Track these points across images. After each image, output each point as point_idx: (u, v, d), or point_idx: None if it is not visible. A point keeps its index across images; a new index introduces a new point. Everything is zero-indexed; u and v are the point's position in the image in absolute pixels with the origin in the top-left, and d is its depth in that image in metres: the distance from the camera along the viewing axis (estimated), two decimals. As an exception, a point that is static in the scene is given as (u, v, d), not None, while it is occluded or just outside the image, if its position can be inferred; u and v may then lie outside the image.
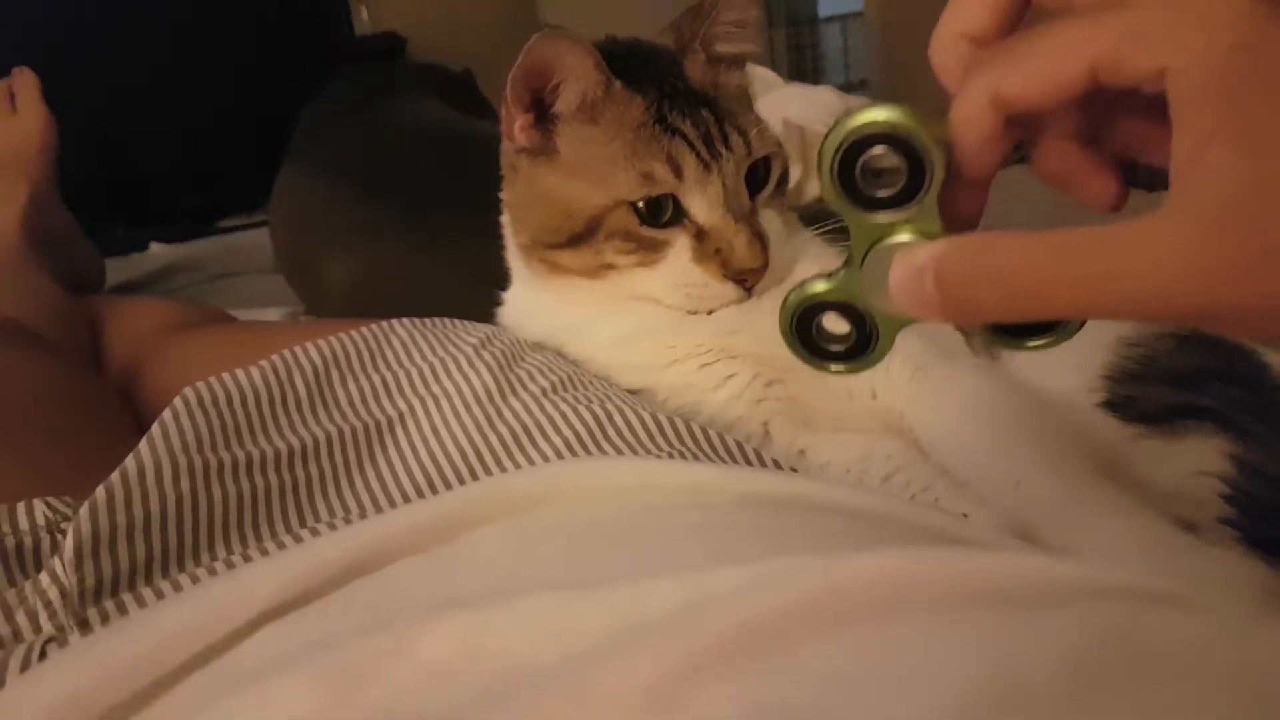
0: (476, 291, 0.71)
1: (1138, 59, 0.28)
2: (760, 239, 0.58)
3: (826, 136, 0.32)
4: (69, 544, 0.41)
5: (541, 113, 0.59)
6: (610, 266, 0.59)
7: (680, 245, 0.58)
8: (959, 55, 0.33)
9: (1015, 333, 0.34)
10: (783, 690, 0.22)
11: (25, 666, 0.36)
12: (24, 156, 1.16)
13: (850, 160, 0.32)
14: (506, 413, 0.54)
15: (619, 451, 0.51)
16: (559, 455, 0.51)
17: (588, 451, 0.51)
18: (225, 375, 0.56)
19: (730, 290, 0.58)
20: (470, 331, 0.63)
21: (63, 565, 0.41)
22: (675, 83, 0.59)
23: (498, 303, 0.70)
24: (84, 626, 0.39)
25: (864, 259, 0.34)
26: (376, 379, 0.60)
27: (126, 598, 0.41)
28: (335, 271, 1.04)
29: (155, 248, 1.48)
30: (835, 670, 0.23)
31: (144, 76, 1.63)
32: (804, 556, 0.27)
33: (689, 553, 0.31)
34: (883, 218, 0.33)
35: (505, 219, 0.67)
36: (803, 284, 0.35)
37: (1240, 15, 0.26)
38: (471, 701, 0.24)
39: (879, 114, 0.32)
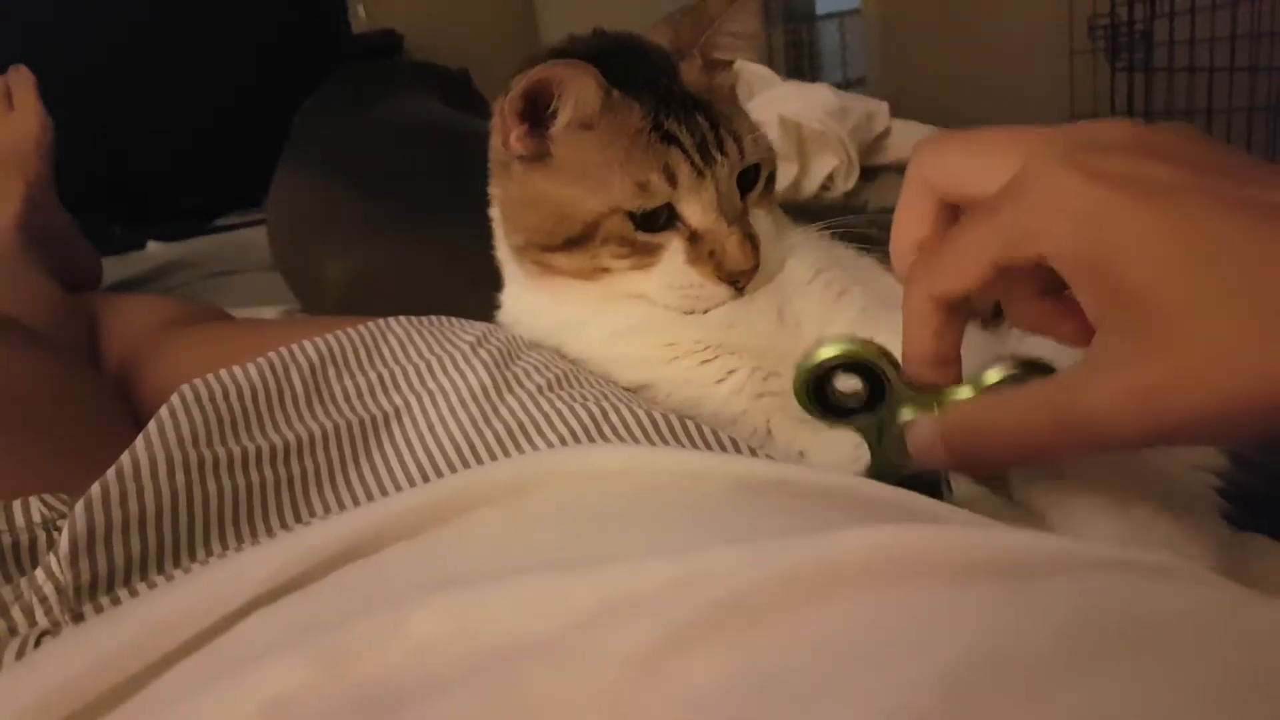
0: (474, 290, 0.71)
1: (1023, 252, 0.34)
2: (752, 240, 0.59)
3: (796, 372, 0.40)
4: (64, 540, 0.41)
5: (536, 121, 0.59)
6: (605, 269, 0.60)
7: (674, 248, 0.59)
8: (911, 261, 0.39)
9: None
10: (771, 660, 0.23)
11: (20, 658, 0.36)
12: (21, 154, 1.16)
13: (819, 386, 0.40)
14: (502, 409, 0.54)
15: None
16: None
17: (583, 447, 0.51)
18: (222, 371, 0.56)
19: (723, 291, 0.59)
20: (467, 329, 0.64)
21: (58, 562, 0.41)
22: (670, 86, 0.59)
23: (496, 305, 0.70)
24: (79, 622, 0.39)
25: (880, 438, 0.40)
26: (373, 375, 0.60)
27: (122, 593, 0.41)
28: (332, 269, 1.04)
29: (152, 246, 1.48)
30: (824, 640, 0.23)
31: (141, 74, 1.63)
32: (797, 535, 0.27)
33: (683, 534, 0.31)
34: (860, 421, 0.40)
35: (495, 214, 0.67)
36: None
37: (1093, 201, 0.32)
38: (461, 676, 0.24)
39: (829, 350, 0.39)
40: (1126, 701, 0.21)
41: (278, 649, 0.26)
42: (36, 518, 0.45)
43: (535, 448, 0.51)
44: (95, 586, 0.41)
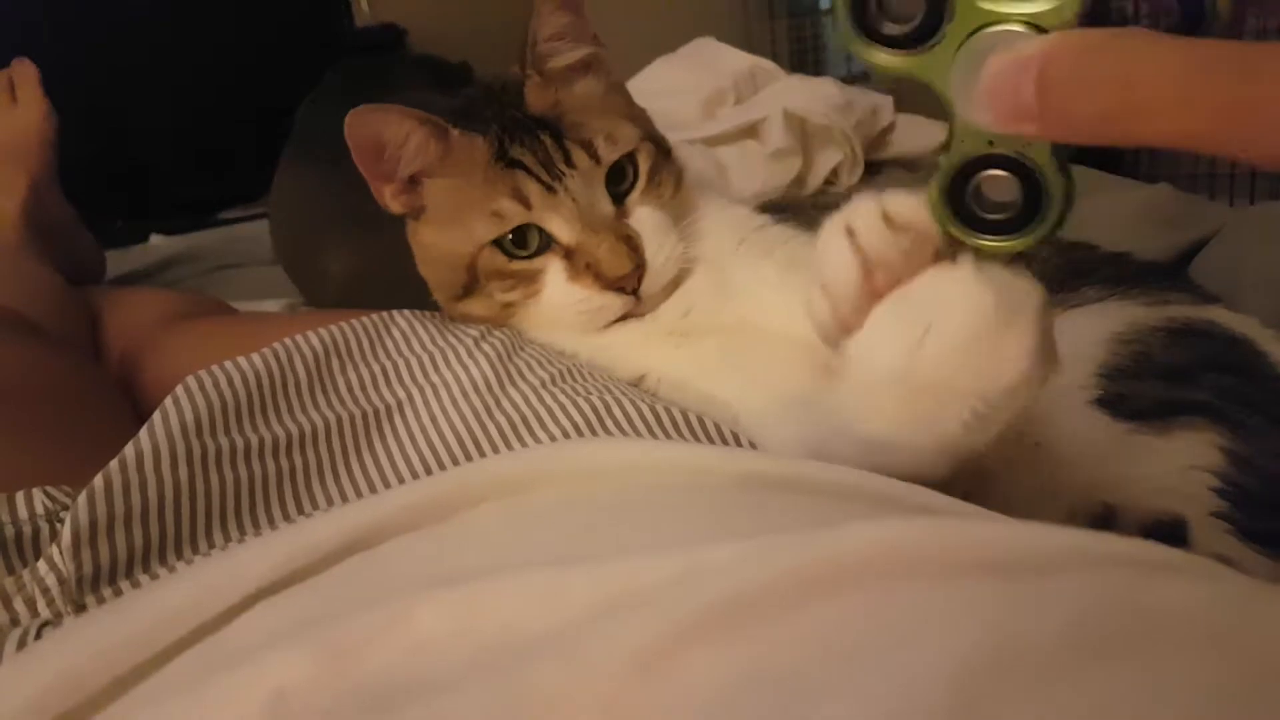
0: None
1: None
2: (627, 241, 0.58)
3: None
4: (67, 532, 0.42)
5: (407, 179, 0.61)
6: (510, 305, 0.61)
7: (554, 269, 0.59)
8: None
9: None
10: (775, 656, 0.23)
11: (21, 648, 0.37)
12: (24, 148, 1.16)
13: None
14: (505, 402, 0.54)
15: None
16: None
17: (585, 440, 0.51)
18: (226, 363, 0.57)
19: (614, 299, 0.58)
20: (470, 324, 0.64)
21: (61, 553, 0.41)
22: (515, 114, 0.60)
23: None
24: (81, 613, 0.39)
25: (959, 47, 0.27)
26: (376, 367, 0.60)
27: (124, 584, 0.41)
28: (334, 263, 1.04)
29: (155, 239, 1.48)
30: (829, 637, 0.23)
31: (145, 68, 1.63)
32: (801, 532, 0.27)
33: (685, 529, 0.31)
34: (904, 56, 0.28)
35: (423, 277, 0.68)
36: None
37: None
38: (464, 670, 0.24)
39: None
40: (1133, 697, 0.21)
41: (280, 642, 0.26)
42: (39, 509, 0.45)
43: (538, 441, 0.51)
44: (97, 578, 0.41)
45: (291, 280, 1.18)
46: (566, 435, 0.51)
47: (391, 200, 0.62)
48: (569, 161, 0.58)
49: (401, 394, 0.57)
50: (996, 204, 0.30)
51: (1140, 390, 0.53)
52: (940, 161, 0.30)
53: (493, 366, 0.57)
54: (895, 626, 0.23)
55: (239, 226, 1.55)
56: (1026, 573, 0.25)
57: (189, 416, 0.50)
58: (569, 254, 0.59)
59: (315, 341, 0.60)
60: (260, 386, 0.56)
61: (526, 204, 0.58)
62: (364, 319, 0.64)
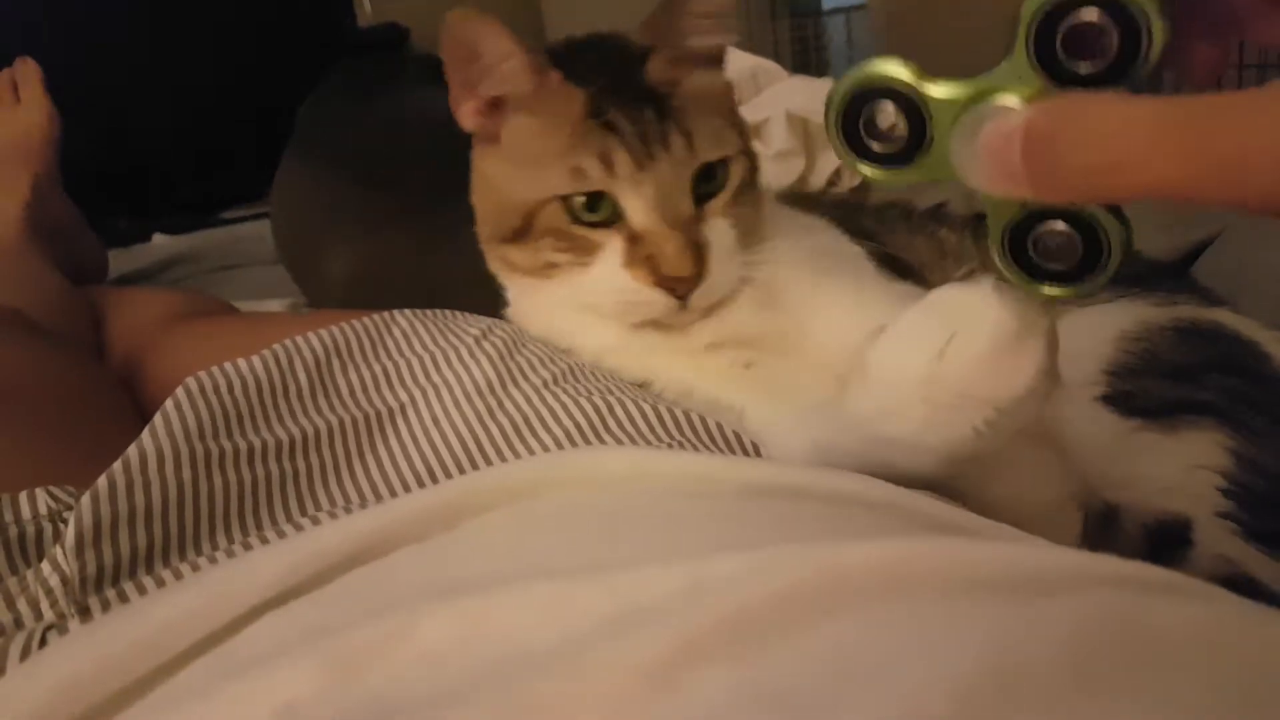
0: (477, 284, 0.71)
1: None
2: (696, 248, 0.55)
3: None
4: (70, 532, 0.42)
5: (489, 100, 0.58)
6: (552, 265, 0.58)
7: (612, 247, 0.56)
8: None
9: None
10: (780, 674, 0.23)
11: (25, 653, 0.37)
12: (27, 147, 1.16)
13: (853, 116, 0.32)
14: (508, 403, 0.54)
15: (619, 442, 0.51)
16: (559, 445, 0.51)
17: (588, 442, 0.51)
18: (227, 364, 0.56)
19: (660, 299, 0.55)
20: (471, 322, 0.64)
21: (64, 553, 0.41)
22: (629, 78, 0.57)
23: (499, 298, 0.69)
24: (85, 614, 0.39)
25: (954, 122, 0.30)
26: (378, 368, 0.60)
27: (127, 586, 0.41)
28: (336, 263, 1.04)
29: (158, 239, 1.48)
30: (833, 655, 0.23)
31: (147, 68, 1.62)
32: (806, 545, 0.27)
33: (690, 540, 0.31)
34: (887, 171, 0.31)
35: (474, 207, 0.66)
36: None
37: None
38: (469, 685, 0.24)
39: (870, 69, 0.30)
40: (1132, 719, 0.21)
41: (287, 654, 0.26)
42: (43, 509, 0.45)
43: (540, 442, 0.51)
44: (101, 579, 0.41)
45: (294, 280, 1.18)
46: (569, 436, 0.51)
47: (467, 117, 0.59)
48: (665, 144, 0.55)
49: (404, 396, 0.57)
50: (1057, 253, 0.31)
51: (1147, 388, 0.53)
52: (989, 223, 0.32)
53: (494, 366, 0.57)
54: (897, 644, 0.23)
55: (241, 226, 1.56)
56: (1027, 593, 0.25)
57: (191, 419, 0.50)
58: (632, 238, 0.56)
59: (316, 342, 0.60)
60: (261, 389, 0.56)
61: (611, 170, 0.54)
62: (364, 319, 0.64)
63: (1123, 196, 0.28)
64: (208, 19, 1.67)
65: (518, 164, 0.58)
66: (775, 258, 0.59)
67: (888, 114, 0.32)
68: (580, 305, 0.59)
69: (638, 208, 0.55)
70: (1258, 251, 0.77)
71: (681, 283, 0.55)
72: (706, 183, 0.57)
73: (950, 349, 0.39)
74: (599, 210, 0.56)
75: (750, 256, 0.58)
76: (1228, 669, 0.23)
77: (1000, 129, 0.28)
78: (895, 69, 0.31)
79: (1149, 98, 0.25)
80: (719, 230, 0.57)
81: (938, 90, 0.31)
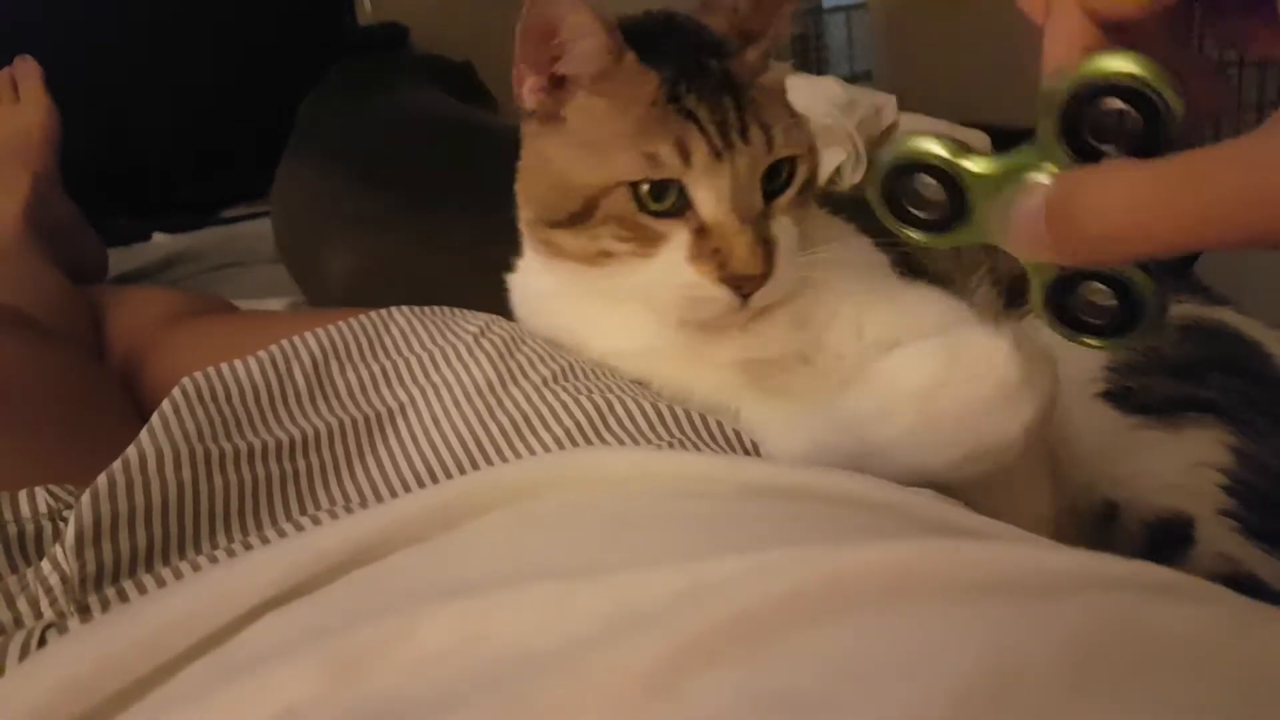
0: (477, 282, 0.71)
1: None
2: (766, 245, 0.53)
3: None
4: (70, 531, 0.42)
5: (554, 78, 0.55)
6: (608, 254, 0.55)
7: (678, 240, 0.53)
8: None
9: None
10: (781, 677, 0.22)
11: (24, 653, 0.36)
12: (27, 146, 1.16)
13: (895, 186, 0.34)
14: (507, 402, 0.54)
15: (619, 441, 0.51)
16: (559, 445, 0.51)
17: (588, 441, 0.51)
18: (224, 366, 0.56)
19: (724, 296, 0.53)
20: (469, 319, 0.63)
21: (64, 552, 0.41)
22: (704, 63, 0.55)
23: (500, 295, 0.68)
24: (84, 613, 0.39)
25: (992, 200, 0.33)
26: (375, 368, 0.60)
27: (127, 585, 0.41)
28: (336, 261, 1.04)
29: (158, 237, 1.48)
30: (834, 657, 0.23)
31: (146, 66, 1.62)
32: (807, 547, 0.27)
33: (691, 541, 0.31)
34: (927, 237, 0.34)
35: (518, 187, 0.63)
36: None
37: None
38: (469, 687, 0.24)
39: (912, 145, 0.33)
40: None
41: (288, 655, 0.26)
42: (42, 508, 0.45)
43: (541, 441, 0.51)
44: (101, 578, 0.41)
45: (293, 279, 1.18)
46: (569, 435, 0.51)
47: (529, 94, 0.56)
48: (745, 136, 0.52)
49: (404, 396, 0.57)
50: (1096, 311, 0.33)
51: (1149, 385, 0.53)
52: (1031, 282, 0.34)
53: (493, 364, 0.57)
54: (896, 647, 0.23)
55: (241, 225, 1.55)
56: (1027, 594, 0.25)
57: (189, 422, 0.50)
58: (700, 230, 0.53)
59: (314, 343, 0.60)
60: (259, 395, 0.56)
61: (686, 159, 0.52)
62: (361, 317, 0.64)
63: (1139, 257, 0.30)
64: (208, 18, 1.66)
65: (583, 146, 0.55)
66: (827, 258, 0.57)
67: (928, 186, 0.34)
68: (630, 297, 0.56)
69: (709, 200, 0.53)
70: (1258, 251, 0.77)
71: (749, 281, 0.52)
72: (772, 180, 0.55)
73: (955, 378, 0.43)
74: (664, 199, 0.53)
75: (805, 257, 0.56)
76: (1228, 669, 0.23)
77: (1030, 203, 0.30)
78: (934, 147, 0.33)
79: (1151, 162, 0.27)
80: (785, 228, 0.55)
81: (974, 165, 0.33)
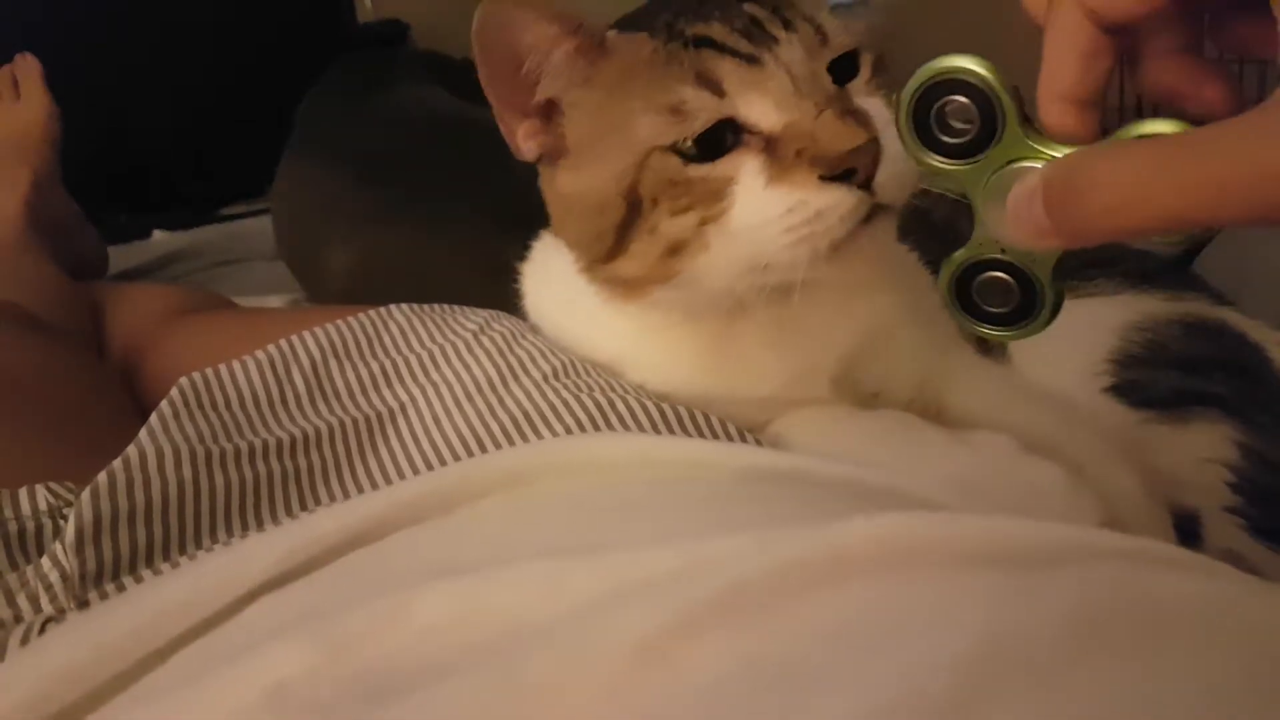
0: (478, 279, 0.71)
1: None
2: (855, 115, 0.43)
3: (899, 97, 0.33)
4: (70, 528, 0.41)
5: (540, 108, 0.49)
6: (676, 247, 0.46)
7: (748, 173, 0.44)
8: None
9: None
10: (777, 645, 0.23)
11: (24, 643, 0.37)
12: (27, 143, 1.16)
13: (925, 107, 0.33)
14: (508, 400, 0.54)
15: None
16: None
17: (589, 438, 0.51)
18: (223, 367, 0.56)
19: (843, 195, 0.42)
20: (468, 316, 0.63)
21: (64, 549, 0.41)
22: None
23: (499, 295, 0.64)
24: (84, 608, 0.39)
25: (982, 196, 0.33)
26: (375, 366, 0.59)
27: (127, 580, 0.41)
28: (336, 258, 1.04)
29: (158, 235, 1.48)
30: (831, 626, 0.23)
31: (147, 63, 1.62)
32: (804, 522, 0.27)
33: (688, 522, 0.31)
34: (962, 167, 0.33)
35: (560, 239, 0.55)
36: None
37: None
38: (462, 661, 0.24)
39: (952, 62, 0.32)
40: (1132, 691, 0.21)
41: (281, 634, 0.26)
42: (42, 505, 0.45)
43: (542, 438, 0.51)
44: (100, 574, 0.41)
45: (294, 276, 1.18)
46: (570, 431, 0.51)
47: (525, 141, 0.49)
48: (788, 27, 0.45)
49: (404, 395, 0.57)
50: (999, 299, 0.34)
51: (1155, 378, 0.52)
52: (954, 255, 0.35)
53: (493, 362, 0.57)
54: (895, 617, 0.23)
55: (242, 222, 1.55)
56: (1027, 566, 0.25)
57: (188, 425, 0.50)
58: (771, 145, 0.44)
59: (312, 343, 0.60)
60: (259, 399, 0.56)
61: (718, 89, 0.43)
62: (360, 315, 0.63)
63: (1141, 232, 0.30)
64: (208, 17, 1.66)
65: (593, 153, 0.48)
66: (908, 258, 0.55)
67: (960, 108, 0.33)
68: (740, 271, 0.46)
69: (765, 107, 0.44)
70: (1258, 249, 0.77)
71: (857, 155, 0.42)
72: (840, 70, 0.46)
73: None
74: (720, 144, 0.44)
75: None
76: (1230, 641, 0.23)
77: (1026, 189, 0.31)
78: (970, 64, 0.33)
79: (1156, 138, 0.28)
80: (875, 105, 0.45)
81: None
